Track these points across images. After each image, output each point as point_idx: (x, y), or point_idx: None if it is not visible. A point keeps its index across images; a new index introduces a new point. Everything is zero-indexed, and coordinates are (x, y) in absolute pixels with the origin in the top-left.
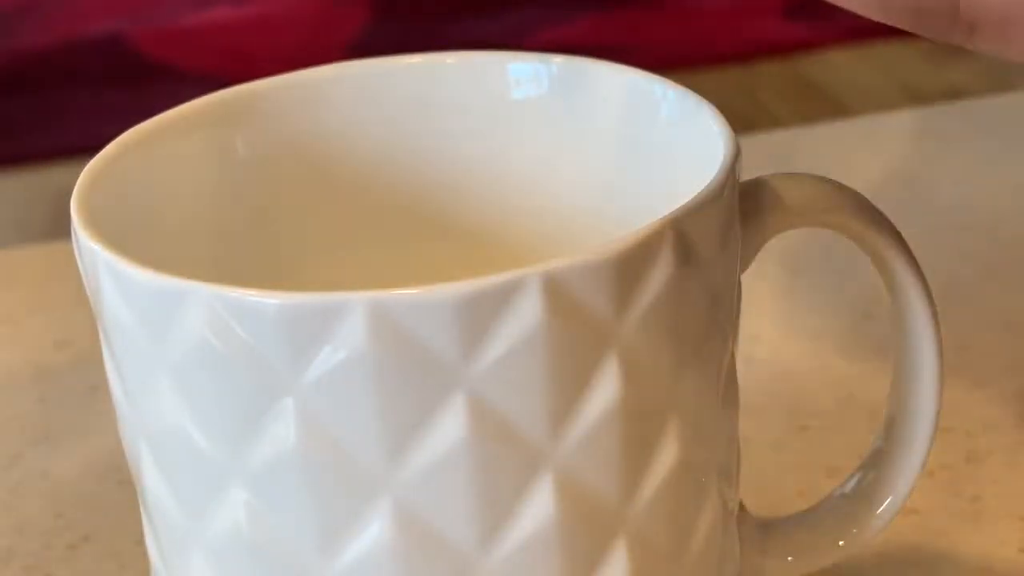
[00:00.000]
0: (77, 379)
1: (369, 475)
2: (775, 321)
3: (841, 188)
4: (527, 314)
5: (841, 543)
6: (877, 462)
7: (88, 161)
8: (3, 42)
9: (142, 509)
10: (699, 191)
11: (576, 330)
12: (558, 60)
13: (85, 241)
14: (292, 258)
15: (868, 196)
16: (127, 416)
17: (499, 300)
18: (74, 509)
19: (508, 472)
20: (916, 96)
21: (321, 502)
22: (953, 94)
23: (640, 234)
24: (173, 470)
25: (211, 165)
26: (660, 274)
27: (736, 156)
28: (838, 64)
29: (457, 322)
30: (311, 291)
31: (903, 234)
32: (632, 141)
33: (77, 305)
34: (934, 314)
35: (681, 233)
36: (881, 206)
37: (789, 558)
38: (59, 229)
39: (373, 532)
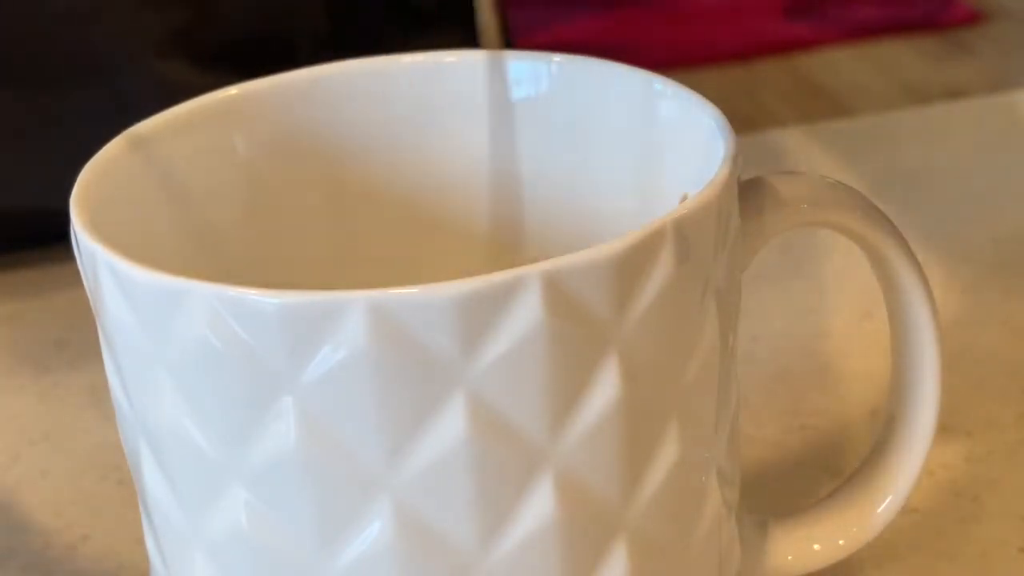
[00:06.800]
0: (77, 379)
1: (369, 474)
2: (775, 321)
3: (841, 188)
4: (527, 313)
5: (841, 543)
6: (877, 462)
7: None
8: None
9: (142, 509)
10: (699, 191)
11: (576, 330)
12: (558, 60)
13: (85, 241)
14: (292, 258)
15: (868, 196)
16: (127, 416)
17: (499, 299)
18: (74, 509)
19: (508, 472)
20: (916, 96)
21: (321, 501)
22: (953, 94)
23: (640, 234)
24: (173, 470)
25: (211, 165)
26: (660, 274)
27: (736, 156)
28: (838, 64)
29: (457, 321)
30: (311, 291)
31: (903, 234)
32: (632, 141)
33: (77, 305)
34: (934, 314)
35: (681, 233)
36: (881, 206)
37: (789, 558)
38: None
39: (373, 532)
